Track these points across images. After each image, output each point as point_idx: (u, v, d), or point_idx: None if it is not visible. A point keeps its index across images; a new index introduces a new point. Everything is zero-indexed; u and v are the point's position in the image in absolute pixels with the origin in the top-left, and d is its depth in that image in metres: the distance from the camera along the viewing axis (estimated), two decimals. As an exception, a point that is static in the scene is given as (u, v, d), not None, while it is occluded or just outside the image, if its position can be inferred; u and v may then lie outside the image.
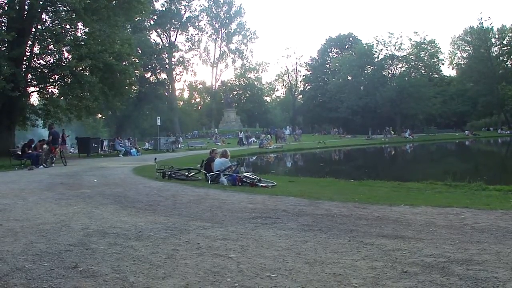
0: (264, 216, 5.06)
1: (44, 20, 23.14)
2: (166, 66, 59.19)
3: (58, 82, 23.73)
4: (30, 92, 23.96)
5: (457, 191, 8.13)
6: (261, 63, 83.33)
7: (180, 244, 3.61)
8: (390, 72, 66.70)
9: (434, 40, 64.74)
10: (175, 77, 62.69)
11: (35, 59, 23.03)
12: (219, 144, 38.11)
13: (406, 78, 62.23)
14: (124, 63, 24.70)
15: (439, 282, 2.55)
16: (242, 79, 79.32)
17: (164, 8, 61.03)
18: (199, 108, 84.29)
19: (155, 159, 13.44)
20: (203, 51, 71.40)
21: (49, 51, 23.00)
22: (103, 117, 52.96)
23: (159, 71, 58.77)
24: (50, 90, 24.32)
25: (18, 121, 22.20)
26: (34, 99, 29.48)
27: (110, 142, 27.78)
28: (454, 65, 75.26)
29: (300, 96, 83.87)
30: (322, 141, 40.27)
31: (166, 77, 60.60)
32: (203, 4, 70.12)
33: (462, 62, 73.18)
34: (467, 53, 71.23)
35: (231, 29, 71.89)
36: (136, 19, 33.94)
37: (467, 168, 18.53)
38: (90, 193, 7.56)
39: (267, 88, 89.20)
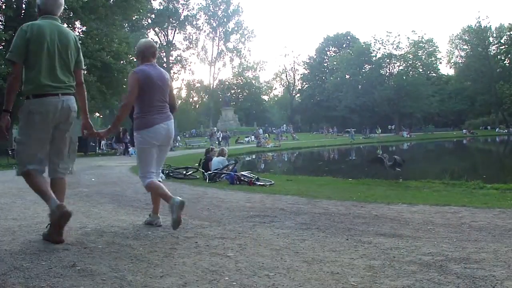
0: (262, 214, 5.07)
1: (41, 19, 23.10)
2: (164, 65, 59.23)
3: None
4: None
5: (454, 190, 8.15)
6: (259, 61, 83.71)
7: (178, 243, 3.61)
8: (388, 71, 66.81)
9: (432, 39, 65.05)
10: (173, 75, 62.65)
11: (32, 58, 22.97)
12: (222, 142, 38.02)
13: (404, 77, 62.36)
14: (121, 62, 24.70)
15: (436, 280, 2.56)
16: (240, 78, 79.40)
17: (161, 7, 61.07)
18: (197, 107, 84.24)
19: (153, 158, 13.41)
20: (201, 49, 71.55)
21: (47, 50, 22.96)
22: (101, 116, 52.91)
23: (157, 70, 58.69)
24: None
25: (16, 120, 22.16)
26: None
27: (108, 141, 27.73)
28: (452, 64, 75.50)
29: (298, 95, 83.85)
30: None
31: (164, 76, 60.52)
32: (200, 3, 70.26)
33: (460, 61, 73.37)
34: (465, 52, 71.46)
35: (228, 28, 71.92)
36: (133, 18, 33.95)
37: (465, 166, 18.59)
38: (88, 192, 7.55)
39: (265, 87, 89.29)
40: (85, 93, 3.83)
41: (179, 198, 3.77)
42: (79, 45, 3.73)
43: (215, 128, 48.31)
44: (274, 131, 53.32)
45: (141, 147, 4.09)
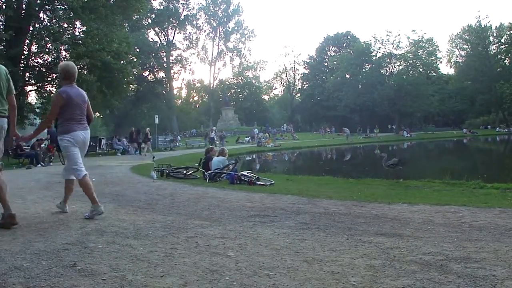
0: (262, 214, 5.06)
1: (42, 18, 23.10)
2: (164, 64, 59.06)
3: (56, 81, 23.67)
4: (28, 91, 23.93)
5: (455, 189, 8.14)
6: (259, 61, 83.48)
7: (178, 242, 3.61)
8: (388, 71, 66.68)
9: (432, 38, 64.82)
10: (173, 75, 62.57)
11: (33, 57, 22.99)
12: (218, 142, 37.89)
13: (404, 77, 62.19)
14: (122, 61, 24.66)
15: (437, 280, 2.56)
16: (240, 78, 79.25)
17: (162, 7, 60.94)
18: (197, 106, 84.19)
19: (153, 157, 13.43)
20: (201, 49, 71.37)
21: (47, 50, 22.95)
22: (101, 116, 52.90)
23: (157, 69, 58.63)
24: (48, 89, 24.28)
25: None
26: (32, 98, 29.41)
27: (108, 141, 27.72)
28: (452, 63, 75.42)
29: (298, 94, 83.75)
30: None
31: (164, 76, 60.45)
32: (200, 3, 70.10)
33: (460, 61, 73.26)
34: (465, 52, 71.32)
35: (229, 28, 71.81)
36: (134, 18, 33.88)
37: (465, 166, 18.58)
38: (88, 192, 7.53)
39: (265, 86, 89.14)
40: (15, 111, 4.78)
41: (103, 209, 4.92)
42: (9, 76, 4.61)
43: (214, 127, 48.11)
44: (272, 131, 53.07)
45: (67, 146, 5.08)
